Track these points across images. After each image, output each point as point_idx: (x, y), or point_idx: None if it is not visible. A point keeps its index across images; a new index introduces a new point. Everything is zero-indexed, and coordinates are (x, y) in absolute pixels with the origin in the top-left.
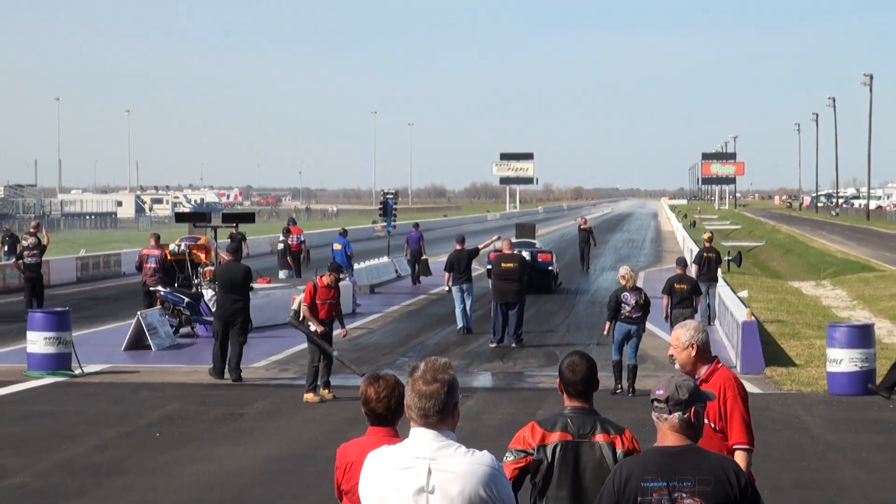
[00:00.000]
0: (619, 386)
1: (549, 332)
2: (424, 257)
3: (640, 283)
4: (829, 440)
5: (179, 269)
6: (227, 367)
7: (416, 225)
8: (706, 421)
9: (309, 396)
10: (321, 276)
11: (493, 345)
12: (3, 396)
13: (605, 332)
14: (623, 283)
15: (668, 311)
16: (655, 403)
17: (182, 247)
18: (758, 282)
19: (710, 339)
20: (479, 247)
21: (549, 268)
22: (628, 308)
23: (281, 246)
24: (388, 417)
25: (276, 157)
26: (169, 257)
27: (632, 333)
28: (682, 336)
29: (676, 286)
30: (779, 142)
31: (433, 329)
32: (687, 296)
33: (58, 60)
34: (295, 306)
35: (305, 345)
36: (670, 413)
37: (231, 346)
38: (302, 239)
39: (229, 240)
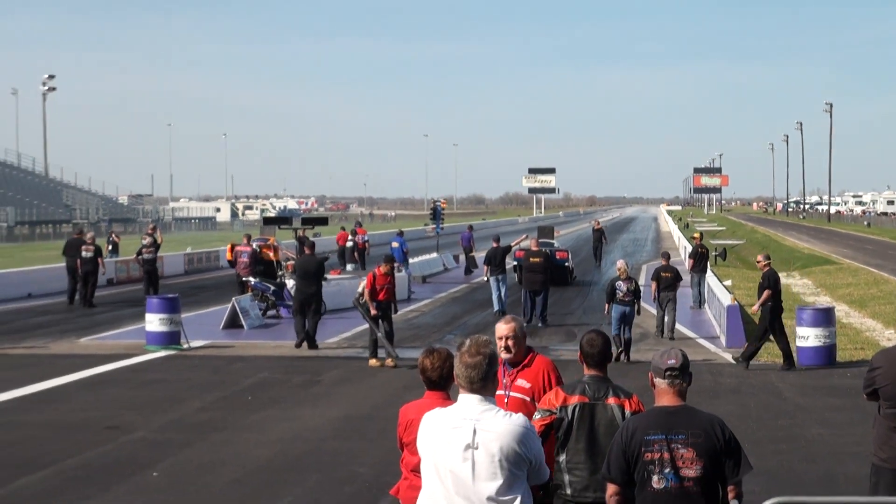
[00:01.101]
0: (619, 355)
1: (568, 314)
2: (472, 254)
3: (642, 274)
4: (798, 403)
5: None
6: (304, 339)
7: (471, 227)
8: (524, 397)
9: (372, 362)
10: (379, 267)
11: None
12: (127, 366)
13: (605, 312)
14: (618, 273)
15: (657, 293)
16: (670, 372)
17: (254, 246)
18: (740, 273)
19: (701, 320)
20: (512, 244)
21: (566, 264)
22: (621, 293)
23: (350, 244)
24: (440, 383)
25: (346, 171)
26: (233, 257)
27: (626, 314)
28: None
29: (662, 274)
30: (757, 158)
31: (474, 311)
32: (671, 282)
33: (169, 91)
34: (360, 289)
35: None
36: (682, 379)
37: (308, 322)
38: (366, 238)
39: (296, 241)
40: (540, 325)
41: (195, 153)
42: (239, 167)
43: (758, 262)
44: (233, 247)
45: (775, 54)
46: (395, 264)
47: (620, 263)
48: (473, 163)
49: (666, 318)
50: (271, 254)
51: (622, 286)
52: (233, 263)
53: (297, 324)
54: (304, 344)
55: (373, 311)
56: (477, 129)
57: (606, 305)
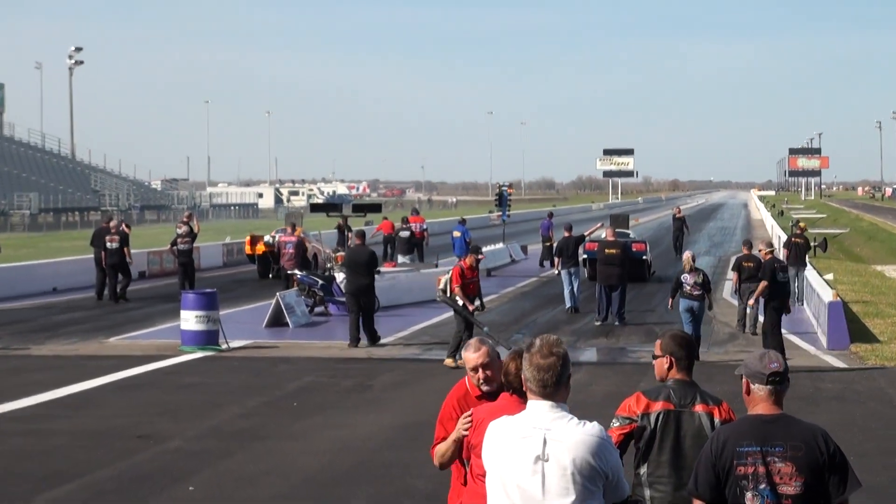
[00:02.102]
0: None
1: (648, 312)
2: (548, 244)
3: (730, 266)
4: None
5: (274, 259)
6: (359, 335)
7: (550, 214)
8: None
9: (448, 362)
10: (464, 259)
11: (598, 323)
12: (161, 369)
13: (670, 307)
14: (684, 265)
15: (738, 285)
16: (774, 378)
17: (277, 238)
18: (842, 266)
19: (797, 318)
20: (585, 234)
21: (643, 257)
22: (688, 287)
23: (406, 233)
24: (521, 389)
25: (401, 153)
26: (253, 251)
27: (694, 309)
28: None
29: (744, 264)
30: (862, 137)
31: (544, 308)
32: (753, 273)
33: (207, 67)
34: (441, 286)
35: (428, 322)
36: (784, 386)
37: (363, 318)
38: (424, 227)
39: (336, 231)
40: (617, 323)
41: (235, 133)
42: (284, 149)
43: (759, 249)
44: (253, 239)
45: (884, 20)
46: (480, 256)
47: (686, 255)
48: (543, 143)
49: (748, 312)
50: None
51: (688, 279)
52: (252, 258)
53: (351, 321)
54: (361, 343)
55: (470, 306)
56: (547, 107)
57: (670, 300)
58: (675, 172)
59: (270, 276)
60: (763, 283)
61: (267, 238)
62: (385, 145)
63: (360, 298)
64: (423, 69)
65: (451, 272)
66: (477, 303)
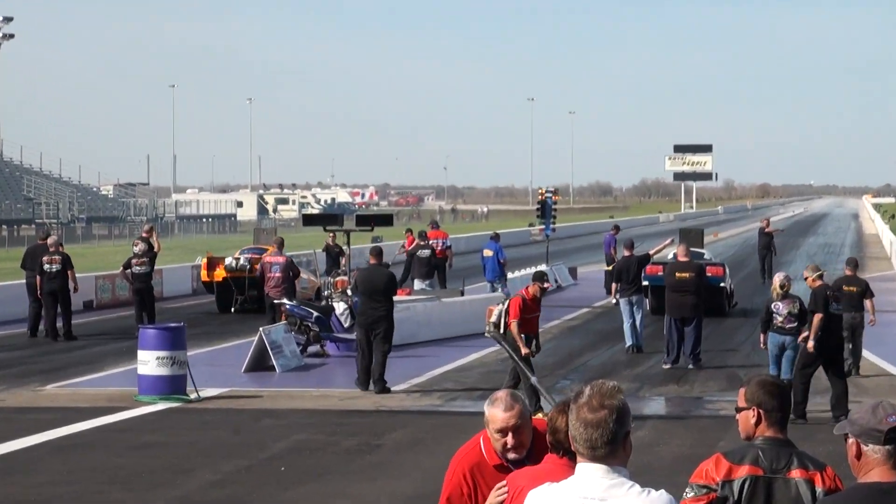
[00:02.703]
0: None
1: (730, 352)
2: (608, 268)
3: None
4: None
5: (237, 288)
6: (371, 378)
7: (616, 228)
8: None
9: (539, 417)
10: (527, 288)
11: (667, 366)
12: (112, 424)
13: (762, 345)
14: (774, 291)
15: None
16: (893, 435)
17: (241, 262)
18: None
19: None
20: (651, 252)
21: (721, 284)
22: (780, 318)
23: (426, 253)
24: (571, 450)
25: (418, 151)
26: (211, 277)
27: (786, 345)
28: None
29: (845, 288)
30: None
31: (597, 347)
32: (857, 299)
33: (173, 46)
34: (493, 318)
35: (450, 366)
36: None
37: (375, 356)
38: (447, 244)
39: (324, 252)
40: (691, 366)
41: (209, 126)
42: (269, 146)
43: (805, 277)
44: (210, 262)
45: None
46: (546, 285)
47: (777, 278)
48: (596, 138)
49: (846, 348)
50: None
51: (781, 307)
52: (210, 287)
53: (360, 359)
54: (370, 387)
55: (523, 350)
56: (602, 92)
57: (762, 336)
58: (764, 175)
59: (233, 309)
60: (817, 316)
61: (228, 261)
62: (398, 142)
63: (372, 330)
64: (445, 46)
65: (507, 303)
66: (532, 345)
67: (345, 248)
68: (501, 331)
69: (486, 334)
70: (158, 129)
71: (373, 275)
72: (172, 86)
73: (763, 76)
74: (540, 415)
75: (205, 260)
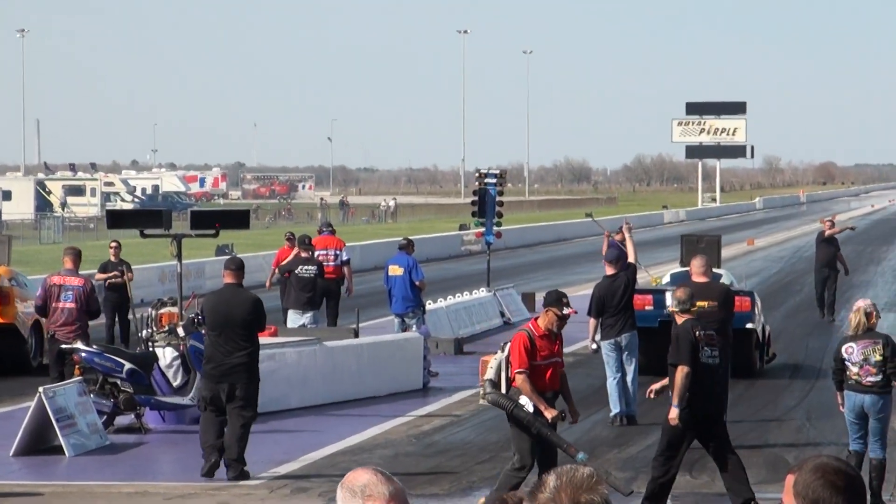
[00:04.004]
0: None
1: (773, 423)
2: None
3: None
4: None
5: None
6: (222, 458)
7: (630, 225)
8: None
9: None
10: (535, 320)
11: None
12: None
13: (840, 407)
14: (851, 328)
15: None
16: None
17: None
18: None
19: None
20: (632, 260)
21: (749, 325)
22: (855, 369)
23: (310, 270)
24: None
25: (289, 112)
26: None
27: (866, 409)
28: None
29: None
30: None
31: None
32: None
33: None
34: (491, 375)
35: (341, 445)
36: None
37: (230, 426)
38: (345, 257)
39: (101, 272)
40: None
41: None
42: (53, 107)
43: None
44: None
45: None
46: (568, 311)
47: (859, 306)
48: (564, 95)
49: None
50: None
51: (855, 353)
52: None
53: (204, 428)
54: (220, 469)
55: (547, 411)
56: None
57: (838, 395)
58: (825, 151)
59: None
60: (681, 370)
61: None
62: (258, 99)
63: (229, 388)
64: None
65: (507, 346)
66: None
67: (175, 261)
68: (504, 389)
69: (482, 400)
70: None
71: (228, 301)
72: None
73: (809, 16)
74: None
75: None
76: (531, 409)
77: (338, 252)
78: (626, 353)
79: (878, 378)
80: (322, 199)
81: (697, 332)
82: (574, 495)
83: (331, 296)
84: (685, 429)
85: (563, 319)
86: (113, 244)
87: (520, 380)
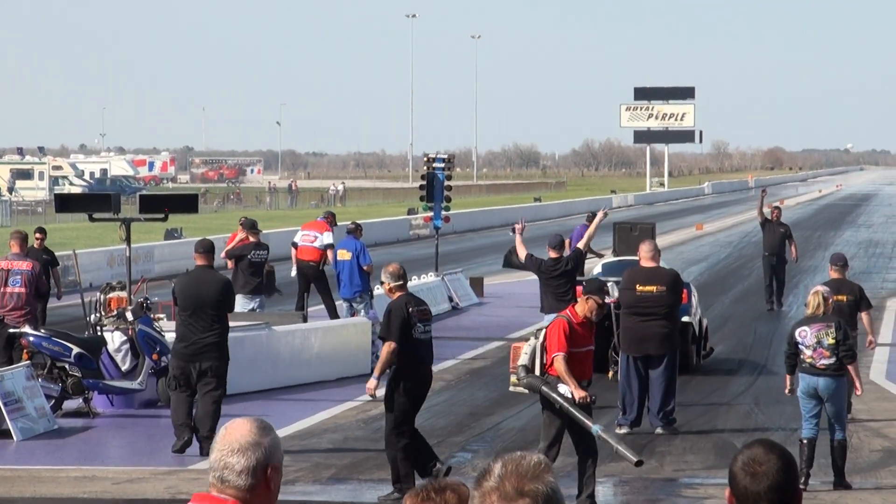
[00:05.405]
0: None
1: (722, 408)
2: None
3: (888, 313)
4: None
5: None
6: (194, 434)
7: (604, 212)
8: None
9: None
10: (573, 306)
11: (624, 429)
12: None
13: (787, 391)
14: (808, 309)
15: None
16: None
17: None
18: None
19: None
20: (582, 245)
21: (685, 318)
22: (808, 352)
23: (261, 254)
24: None
25: (238, 97)
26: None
27: (820, 392)
28: None
29: (836, 297)
30: None
31: (515, 403)
32: (847, 313)
33: None
34: (525, 360)
35: (293, 428)
36: None
37: (201, 403)
38: (326, 241)
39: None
40: (660, 429)
41: None
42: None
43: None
44: None
45: None
46: (609, 299)
47: (818, 289)
48: (513, 79)
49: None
50: None
51: (808, 335)
52: None
53: (175, 406)
54: (192, 447)
55: (578, 393)
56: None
57: (787, 378)
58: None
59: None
60: (388, 345)
61: None
62: (204, 83)
63: (200, 367)
64: None
65: (543, 333)
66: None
67: (123, 245)
68: (542, 376)
69: (512, 388)
70: None
71: (199, 282)
72: None
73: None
74: None
75: None
76: (567, 393)
77: (318, 234)
78: None
79: (832, 361)
80: (270, 182)
81: (411, 308)
82: (519, 484)
83: (318, 278)
84: (414, 403)
85: (602, 308)
86: (38, 234)
87: (558, 359)
